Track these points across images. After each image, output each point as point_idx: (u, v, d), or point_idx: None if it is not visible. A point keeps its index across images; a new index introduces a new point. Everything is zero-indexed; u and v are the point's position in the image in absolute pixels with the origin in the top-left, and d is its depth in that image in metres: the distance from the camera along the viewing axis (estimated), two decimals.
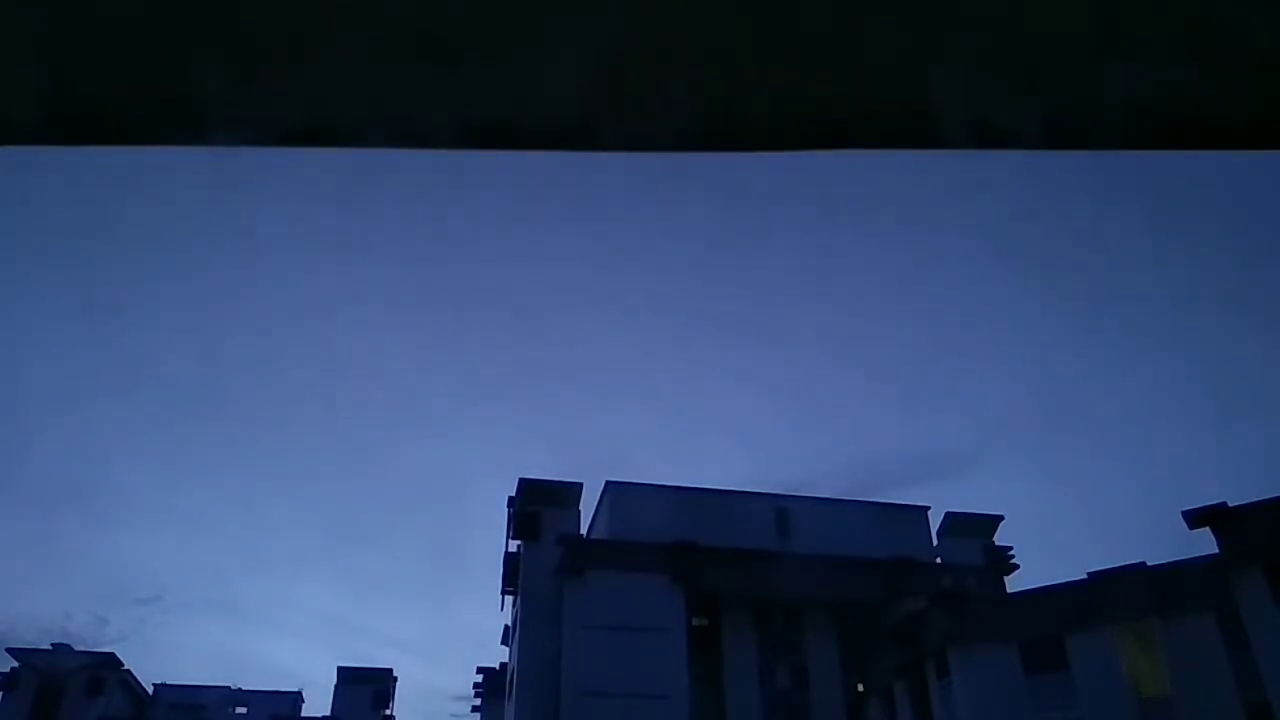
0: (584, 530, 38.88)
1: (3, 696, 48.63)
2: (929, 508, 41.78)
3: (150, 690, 54.70)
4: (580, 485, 38.95)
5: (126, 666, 52.05)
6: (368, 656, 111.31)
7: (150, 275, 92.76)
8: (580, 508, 39.01)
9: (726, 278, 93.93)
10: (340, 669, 55.59)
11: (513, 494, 39.86)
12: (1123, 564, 27.33)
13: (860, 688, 35.77)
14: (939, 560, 39.51)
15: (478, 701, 50.11)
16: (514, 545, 39.71)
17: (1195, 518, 24.09)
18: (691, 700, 33.57)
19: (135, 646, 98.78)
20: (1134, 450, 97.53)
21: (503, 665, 45.23)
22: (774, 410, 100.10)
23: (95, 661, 50.16)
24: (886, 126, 1.39)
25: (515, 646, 38.58)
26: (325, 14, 1.27)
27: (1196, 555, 25.53)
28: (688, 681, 33.76)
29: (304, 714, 56.15)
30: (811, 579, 35.44)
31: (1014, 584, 38.21)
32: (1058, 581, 29.28)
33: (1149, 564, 26.85)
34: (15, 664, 49.14)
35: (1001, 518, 40.41)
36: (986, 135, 1.40)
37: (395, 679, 57.22)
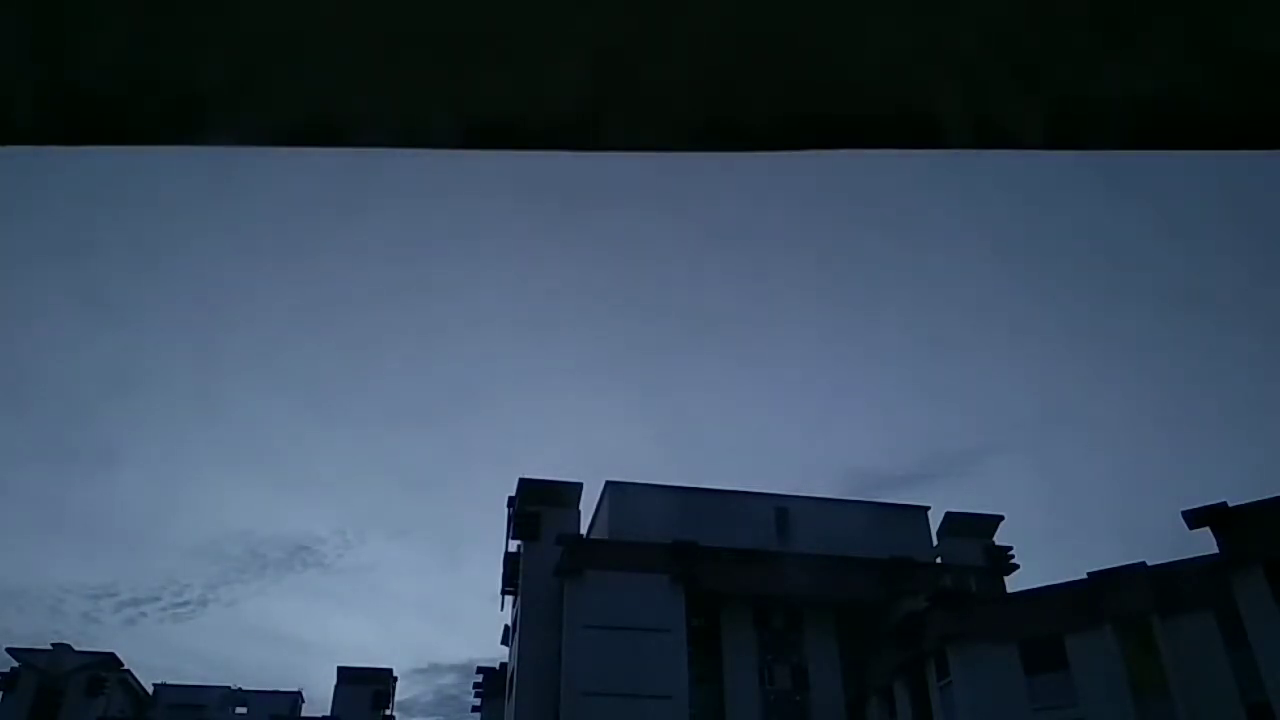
0: (584, 530, 38.88)
1: (3, 696, 48.61)
2: (929, 508, 41.84)
3: (150, 690, 54.73)
4: (580, 485, 38.99)
5: (126, 666, 52.08)
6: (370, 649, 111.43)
7: (150, 275, 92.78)
8: (580, 508, 39.04)
9: (726, 277, 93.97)
10: (340, 669, 55.59)
11: (513, 494, 39.86)
12: (1123, 564, 27.38)
13: (860, 688, 35.77)
14: (939, 560, 39.51)
15: (478, 702, 50.12)
16: (514, 545, 39.73)
17: (1195, 518, 24.11)
18: (691, 700, 33.57)
19: (135, 643, 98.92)
20: (1134, 450, 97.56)
21: (503, 665, 45.24)
22: (774, 410, 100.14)
23: (95, 661, 50.13)
24: (886, 126, 1.40)
25: (515, 646, 38.58)
26: (325, 14, 1.27)
27: (1196, 555, 25.55)
28: (688, 681, 33.76)
29: (304, 714, 56.17)
30: (811, 579, 35.43)
31: (1014, 584, 38.27)
32: (1058, 581, 29.33)
33: (1149, 564, 26.88)
34: (15, 664, 49.15)
35: (1001, 518, 40.45)
36: (986, 135, 1.40)
37: (395, 679, 57.28)
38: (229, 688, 55.45)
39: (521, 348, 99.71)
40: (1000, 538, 40.17)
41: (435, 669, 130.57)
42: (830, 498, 43.32)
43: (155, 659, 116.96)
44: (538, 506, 38.21)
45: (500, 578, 40.13)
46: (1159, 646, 25.84)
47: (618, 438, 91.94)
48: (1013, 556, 39.54)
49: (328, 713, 53.15)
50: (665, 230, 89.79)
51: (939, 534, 40.62)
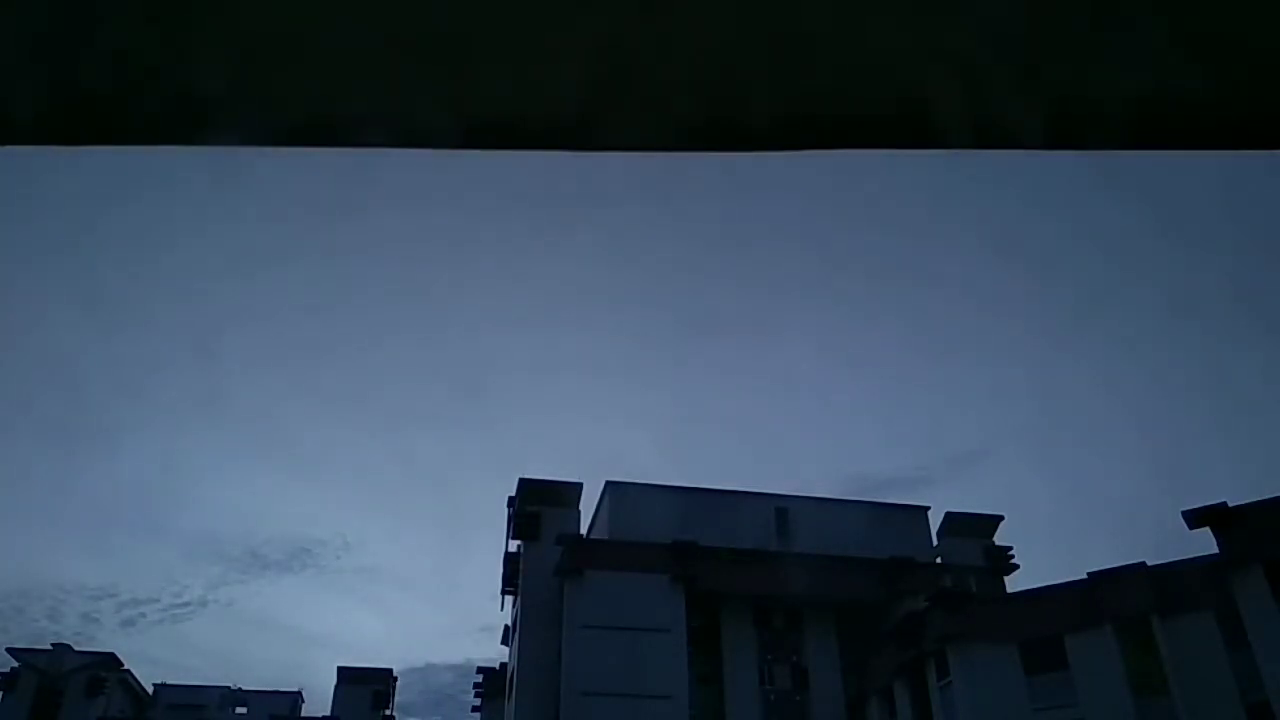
0: (584, 530, 38.86)
1: (3, 696, 48.59)
2: (929, 507, 41.81)
3: (150, 690, 54.69)
4: (580, 485, 38.98)
5: (126, 666, 52.05)
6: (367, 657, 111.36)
7: (150, 274, 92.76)
8: (580, 508, 39.02)
9: (726, 278, 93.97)
10: (340, 669, 55.56)
11: (513, 494, 39.84)
12: (1123, 564, 27.38)
13: (860, 688, 35.75)
14: (939, 560, 39.49)
15: (477, 701, 50.09)
16: (514, 545, 39.71)
17: (1195, 518, 24.10)
18: (691, 700, 33.56)
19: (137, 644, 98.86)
20: (1134, 450, 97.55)
21: (502, 665, 45.22)
22: (774, 410, 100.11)
23: (95, 661, 50.11)
24: (886, 126, 1.39)
25: (515, 646, 38.57)
26: (325, 14, 1.27)
27: (1196, 555, 25.55)
28: (688, 681, 33.75)
29: (304, 714, 56.14)
30: (811, 579, 35.42)
31: (1014, 584, 38.26)
32: (1058, 581, 29.32)
33: (1149, 564, 26.87)
34: (15, 664, 49.12)
35: (1001, 518, 40.43)
36: (986, 135, 1.40)
37: (395, 679, 57.24)
38: (229, 688, 55.45)
39: (522, 348, 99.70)
40: (1000, 538, 40.18)
41: (433, 668, 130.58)
42: (830, 498, 43.30)
43: (155, 658, 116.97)
44: (538, 506, 38.19)
45: (500, 578, 40.14)
46: (1159, 646, 25.83)
47: (618, 438, 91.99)
48: (1013, 556, 39.56)
49: (328, 713, 53.13)
50: (665, 230, 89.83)
51: (939, 534, 40.59)
